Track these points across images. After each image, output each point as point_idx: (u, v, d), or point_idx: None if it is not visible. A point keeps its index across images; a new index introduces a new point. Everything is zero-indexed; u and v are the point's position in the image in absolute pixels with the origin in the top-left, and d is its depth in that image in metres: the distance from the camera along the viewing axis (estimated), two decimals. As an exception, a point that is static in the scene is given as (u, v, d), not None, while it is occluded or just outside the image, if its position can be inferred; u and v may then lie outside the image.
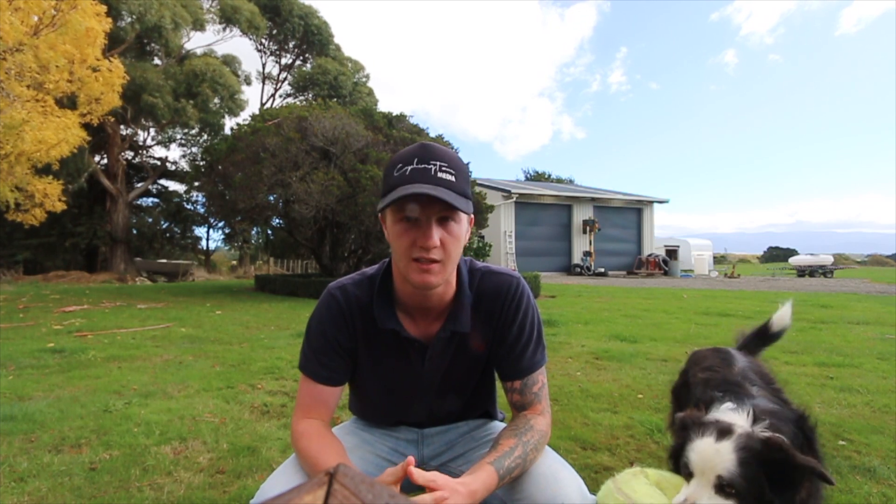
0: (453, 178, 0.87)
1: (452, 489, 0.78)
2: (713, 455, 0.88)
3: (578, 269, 20.49)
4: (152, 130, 20.56)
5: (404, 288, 0.98)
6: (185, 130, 20.94)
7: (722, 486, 0.87)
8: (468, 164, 13.32)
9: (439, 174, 0.86)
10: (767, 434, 0.90)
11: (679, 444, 0.98)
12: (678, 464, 0.97)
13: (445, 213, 0.88)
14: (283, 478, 0.95)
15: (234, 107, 19.29)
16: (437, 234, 0.87)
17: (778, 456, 0.85)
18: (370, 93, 24.76)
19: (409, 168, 0.87)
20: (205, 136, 20.33)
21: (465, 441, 1.12)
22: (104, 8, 9.96)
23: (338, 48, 24.55)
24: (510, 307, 1.02)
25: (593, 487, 1.86)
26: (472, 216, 0.95)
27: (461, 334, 1.01)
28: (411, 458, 0.80)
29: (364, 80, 25.22)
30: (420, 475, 0.78)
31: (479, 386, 1.13)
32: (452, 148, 12.17)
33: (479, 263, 1.07)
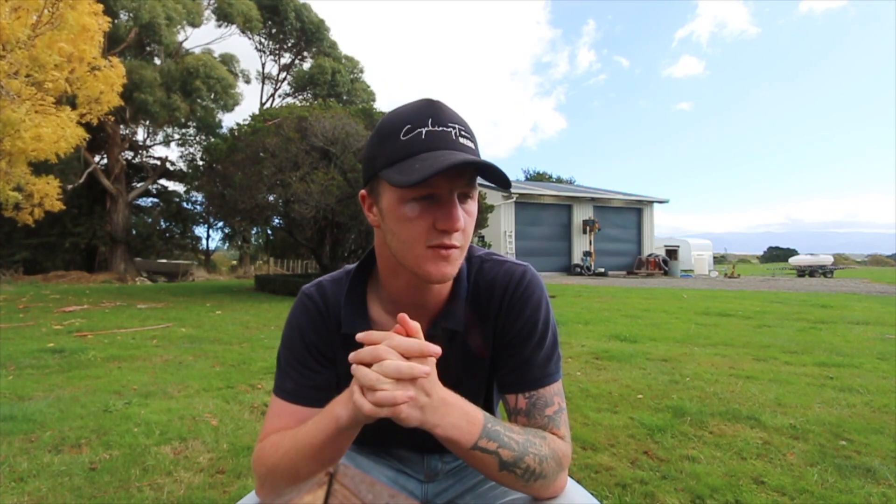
0: (473, 146, 0.72)
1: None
2: None
3: (578, 269, 20.49)
4: (150, 130, 20.58)
5: (395, 282, 0.79)
6: (183, 131, 20.93)
7: None
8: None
9: (461, 139, 0.70)
10: None
11: None
12: None
13: (467, 189, 0.71)
14: None
15: (228, 100, 18.95)
16: (461, 213, 0.70)
17: None
18: (366, 89, 24.79)
19: (425, 130, 0.69)
20: (203, 136, 20.32)
21: (475, 471, 0.94)
22: (100, 7, 9.97)
23: (334, 45, 24.61)
24: (515, 300, 0.82)
25: (593, 487, 1.86)
26: None
27: (457, 333, 0.83)
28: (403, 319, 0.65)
29: (359, 73, 25.22)
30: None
31: (487, 401, 0.93)
32: None
33: (480, 249, 0.89)
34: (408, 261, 0.73)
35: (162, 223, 23.53)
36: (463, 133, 0.71)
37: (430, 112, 0.70)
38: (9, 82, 8.53)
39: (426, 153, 0.68)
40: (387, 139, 0.71)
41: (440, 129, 0.69)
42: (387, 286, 0.81)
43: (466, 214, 0.72)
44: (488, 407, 0.92)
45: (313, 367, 0.81)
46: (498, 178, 0.69)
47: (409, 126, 0.69)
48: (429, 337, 0.78)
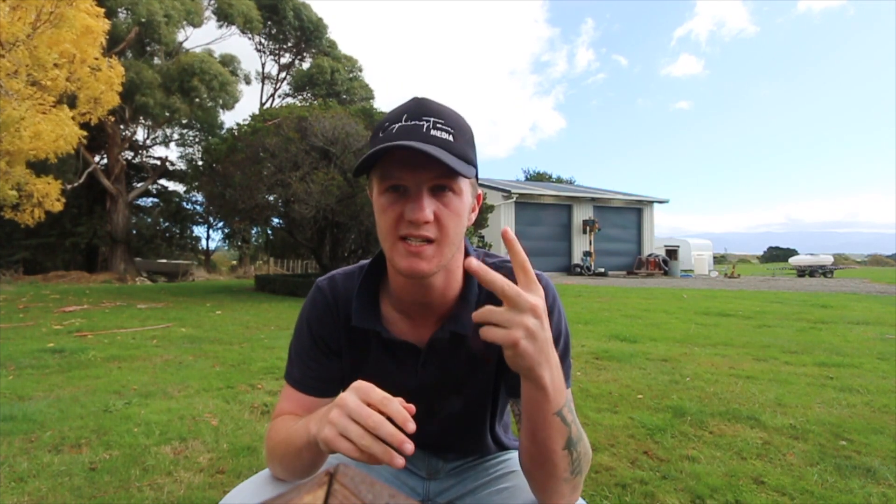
0: (450, 138, 0.71)
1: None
2: None
3: (578, 269, 20.49)
4: (150, 130, 20.57)
5: (398, 279, 0.80)
6: (183, 131, 20.91)
7: None
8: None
9: (432, 132, 0.70)
10: None
11: None
12: None
13: (441, 181, 0.70)
14: (250, 486, 0.81)
15: (227, 98, 18.79)
16: (429, 206, 0.70)
17: None
18: (364, 87, 24.79)
19: (397, 126, 0.70)
20: (203, 136, 20.29)
21: (477, 473, 0.95)
22: (102, 10, 9.99)
23: (332, 44, 24.63)
24: None
25: (593, 488, 1.86)
26: (480, 193, 0.80)
27: (464, 337, 0.82)
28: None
29: (358, 72, 25.21)
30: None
31: (493, 405, 0.92)
32: None
33: (495, 255, 0.89)
34: (386, 253, 0.75)
35: (162, 223, 23.53)
36: (438, 125, 0.70)
37: (409, 109, 0.72)
38: (9, 81, 8.54)
39: (391, 143, 0.68)
40: (373, 137, 0.74)
41: (412, 123, 0.70)
42: (392, 282, 0.82)
43: (445, 208, 0.71)
44: (494, 411, 0.92)
45: (319, 360, 0.84)
46: (457, 168, 0.67)
47: (387, 123, 0.72)
48: (435, 339, 0.82)
